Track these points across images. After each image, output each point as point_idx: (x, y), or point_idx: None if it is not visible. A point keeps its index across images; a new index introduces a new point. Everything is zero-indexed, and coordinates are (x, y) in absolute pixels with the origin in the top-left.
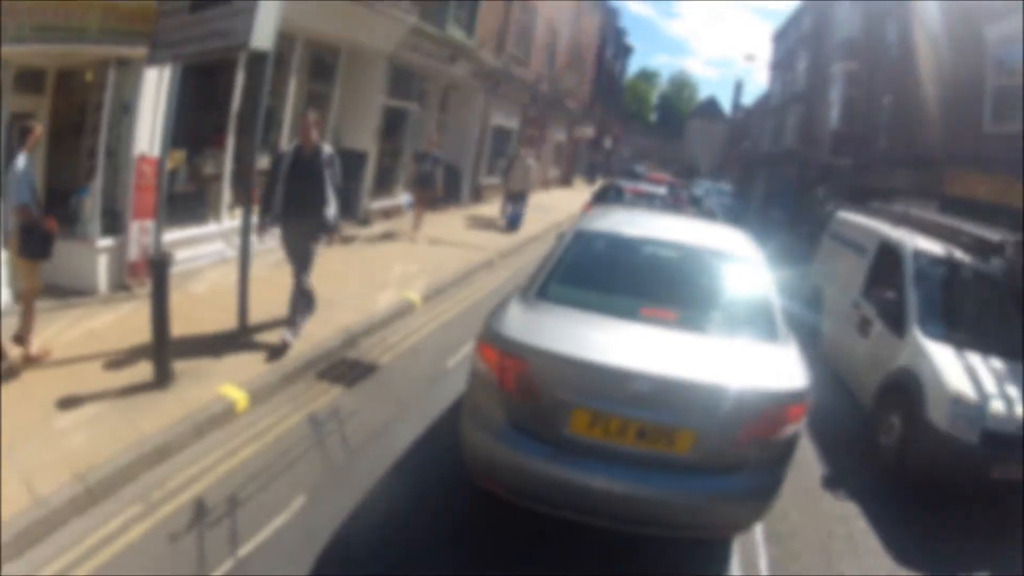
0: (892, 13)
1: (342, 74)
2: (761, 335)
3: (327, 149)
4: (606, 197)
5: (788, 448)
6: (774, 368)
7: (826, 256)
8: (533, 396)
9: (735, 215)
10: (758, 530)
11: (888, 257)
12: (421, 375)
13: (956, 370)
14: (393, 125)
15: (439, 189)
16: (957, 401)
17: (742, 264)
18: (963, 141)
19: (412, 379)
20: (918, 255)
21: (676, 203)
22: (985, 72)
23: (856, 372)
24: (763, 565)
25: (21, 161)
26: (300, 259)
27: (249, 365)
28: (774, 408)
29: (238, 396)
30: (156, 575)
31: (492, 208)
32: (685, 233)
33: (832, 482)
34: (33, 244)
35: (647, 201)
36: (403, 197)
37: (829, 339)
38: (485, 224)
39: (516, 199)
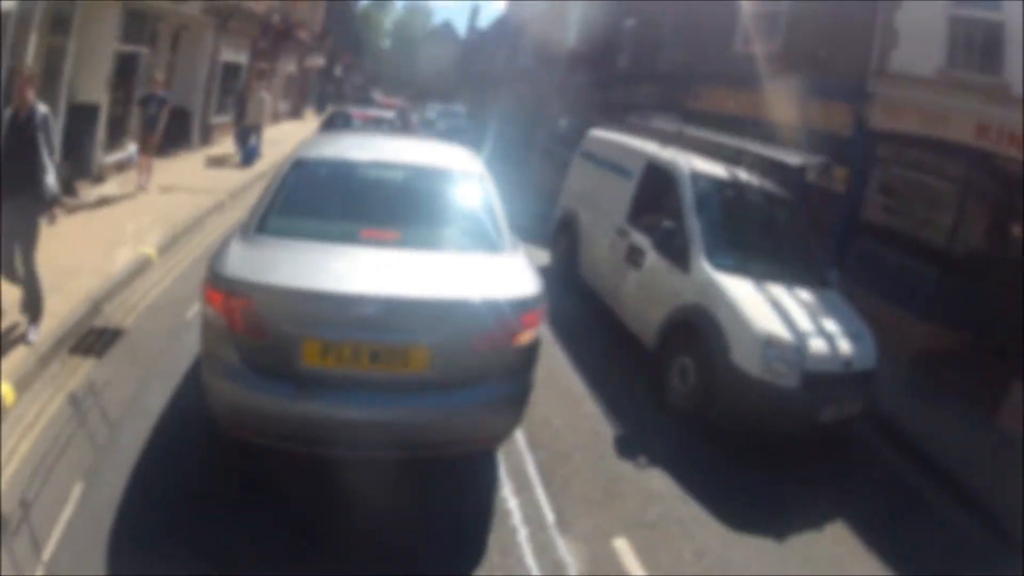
0: None
1: (78, 24)
2: (486, 247)
3: (41, 109)
4: (334, 124)
5: (530, 355)
6: (502, 277)
7: (579, 177)
8: (262, 333)
9: (470, 137)
10: (519, 438)
11: (658, 180)
12: (164, 331)
13: (761, 307)
14: (124, 72)
15: (161, 131)
16: (770, 343)
17: (464, 179)
18: (712, 59)
19: (156, 337)
20: (696, 177)
21: (405, 126)
22: None
23: (629, 305)
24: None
25: None
26: (24, 239)
27: (6, 352)
28: (507, 317)
29: (5, 389)
30: None
31: (226, 147)
32: (407, 154)
33: (624, 441)
34: None
35: (375, 125)
36: (130, 148)
37: (590, 267)
38: (221, 163)
39: (250, 133)
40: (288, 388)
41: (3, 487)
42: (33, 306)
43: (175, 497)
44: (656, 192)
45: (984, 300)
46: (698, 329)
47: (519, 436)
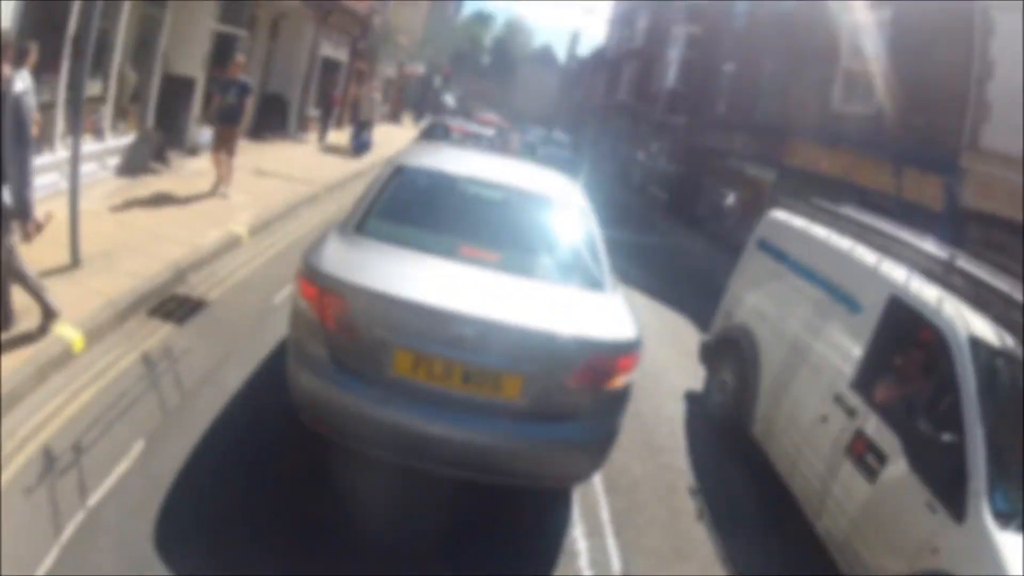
0: None
1: None
2: (588, 283)
3: (17, 87)
4: (433, 135)
5: (620, 399)
6: (602, 317)
7: (757, 280)
8: (354, 335)
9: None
10: (597, 483)
11: (911, 333)
12: (249, 311)
13: None
14: (222, 52)
15: (244, 122)
16: None
17: (567, 210)
18: (809, 116)
19: (241, 316)
20: (979, 349)
21: (504, 146)
22: (839, 53)
23: (839, 526)
24: (606, 518)
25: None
26: None
27: (83, 302)
28: (603, 357)
29: (74, 336)
30: (16, 529)
31: (340, 137)
32: (510, 175)
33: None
34: None
35: (474, 141)
36: (202, 133)
37: (771, 428)
38: (335, 151)
39: (363, 128)
40: (374, 393)
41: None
42: None
43: (236, 476)
44: (905, 350)
45: None
46: None
47: (597, 479)
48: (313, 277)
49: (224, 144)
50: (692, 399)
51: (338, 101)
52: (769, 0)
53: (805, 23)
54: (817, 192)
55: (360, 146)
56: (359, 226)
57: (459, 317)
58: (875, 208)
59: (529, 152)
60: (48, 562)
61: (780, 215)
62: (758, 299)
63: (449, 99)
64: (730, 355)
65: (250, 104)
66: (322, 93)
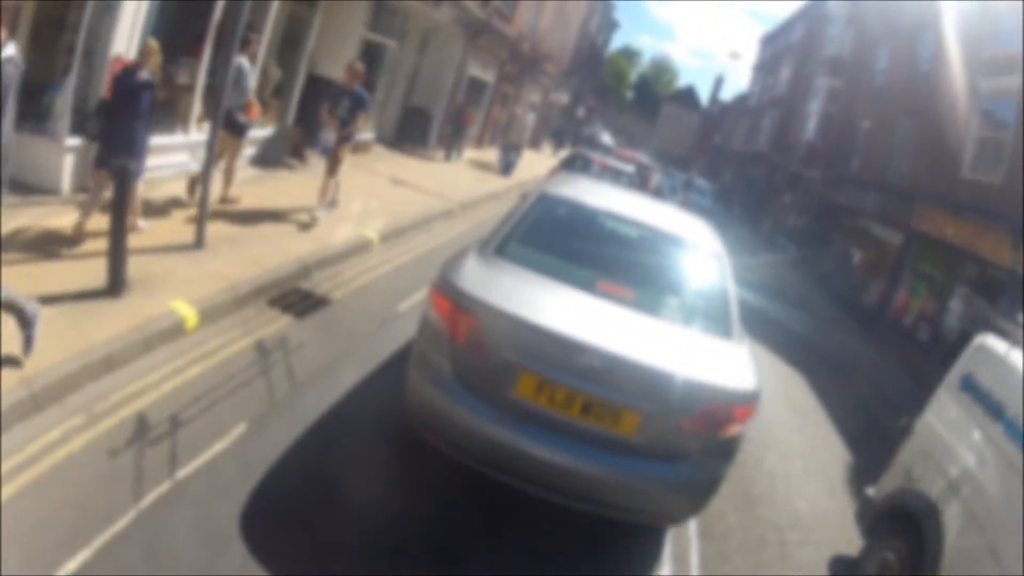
0: (884, 42)
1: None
2: (716, 329)
3: (7, 52)
4: (574, 165)
5: (731, 448)
6: (726, 365)
7: (959, 434)
8: (481, 353)
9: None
10: (692, 526)
11: None
12: (373, 316)
13: None
14: (370, 60)
15: (354, 131)
16: None
17: (705, 255)
18: (938, 180)
19: (363, 319)
20: None
21: (643, 184)
22: (972, 119)
23: None
24: (694, 562)
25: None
26: None
27: (202, 282)
28: (722, 405)
29: (188, 313)
30: (94, 489)
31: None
32: (650, 214)
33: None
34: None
35: (613, 176)
36: (327, 138)
37: None
38: (484, 167)
39: (512, 149)
40: (492, 412)
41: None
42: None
43: (333, 473)
44: None
45: None
46: None
47: (692, 522)
48: (448, 292)
49: (329, 162)
50: (840, 563)
51: (471, 121)
52: (906, 60)
53: (940, 85)
54: (941, 260)
55: (507, 166)
56: (499, 248)
57: (590, 349)
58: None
59: (665, 193)
60: (122, 523)
61: (995, 346)
62: (953, 465)
63: (605, 137)
64: (902, 532)
65: (364, 120)
66: (456, 111)
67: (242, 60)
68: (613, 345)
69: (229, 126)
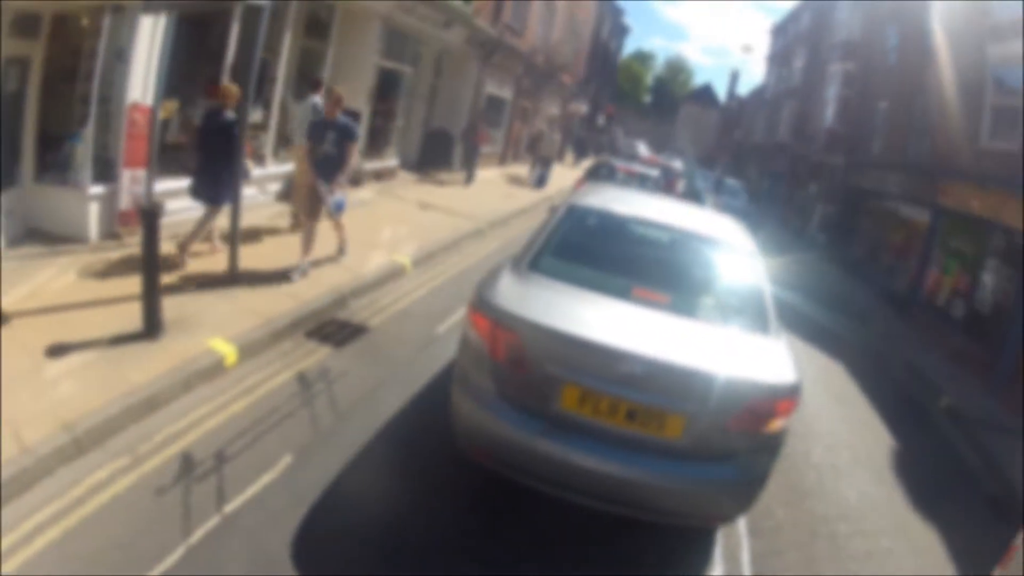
0: (894, 19)
1: (337, 32)
2: (753, 326)
3: None
4: (598, 174)
5: (776, 443)
6: (765, 360)
7: None
8: (523, 369)
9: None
10: (741, 523)
11: None
12: (411, 340)
13: None
14: (387, 87)
15: (347, 171)
16: None
17: (736, 254)
18: (959, 153)
19: (402, 344)
20: None
21: (669, 187)
22: (985, 88)
23: None
24: (745, 560)
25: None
26: None
27: (238, 318)
28: (764, 401)
29: (227, 350)
30: (142, 528)
31: (486, 173)
32: (679, 217)
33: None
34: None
35: (639, 182)
36: (323, 194)
37: None
38: (518, 181)
39: (543, 163)
40: (538, 426)
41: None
42: None
43: (383, 500)
44: None
45: None
46: None
47: (741, 520)
48: (486, 310)
49: (315, 204)
50: None
51: (484, 139)
52: (916, 35)
53: (949, 57)
54: (969, 234)
55: (540, 179)
56: (533, 263)
57: (630, 356)
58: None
59: (695, 198)
60: (172, 559)
61: None
62: None
63: (642, 148)
64: None
65: (354, 152)
66: (467, 129)
67: (316, 99)
68: (652, 350)
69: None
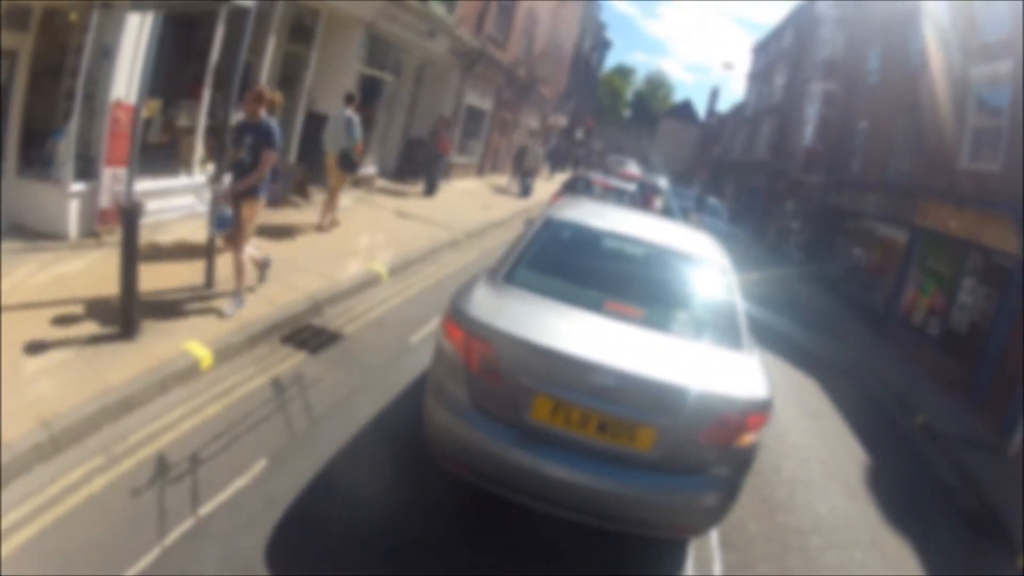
0: (876, 40)
1: (320, 37)
2: (725, 341)
3: None
4: (575, 188)
5: (747, 457)
6: (737, 375)
7: None
8: (497, 379)
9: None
10: (713, 536)
11: None
12: (386, 349)
13: None
14: (368, 94)
15: (262, 178)
16: None
17: (710, 269)
18: (938, 174)
19: (376, 352)
20: None
21: (646, 202)
22: (967, 109)
23: None
24: (717, 572)
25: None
26: None
27: (214, 323)
28: (735, 415)
29: (203, 353)
30: (117, 528)
31: (464, 184)
32: (654, 232)
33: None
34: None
35: (616, 196)
36: (214, 209)
37: None
38: (503, 191)
39: (528, 175)
40: (510, 436)
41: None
42: None
43: (356, 505)
44: None
45: None
46: None
47: (713, 533)
48: (461, 321)
49: (248, 228)
50: None
51: (447, 147)
52: (899, 55)
53: (932, 78)
54: (946, 254)
55: (525, 190)
56: (508, 275)
57: (603, 369)
58: (997, 271)
59: (674, 213)
60: (147, 560)
61: None
62: None
63: (632, 167)
64: None
65: (270, 161)
66: (429, 135)
67: (350, 113)
68: (625, 363)
69: (345, 165)
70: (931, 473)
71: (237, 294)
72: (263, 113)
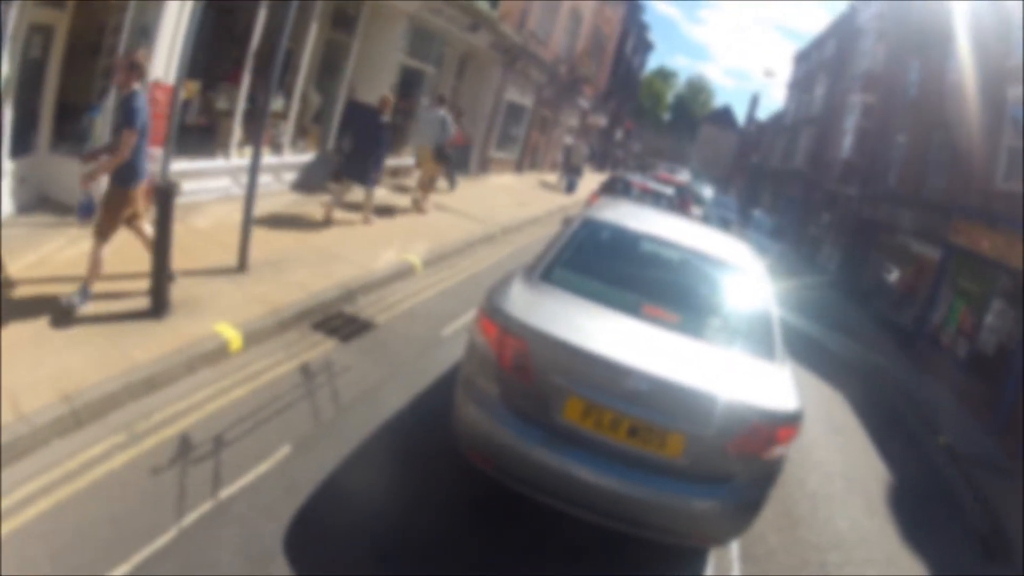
0: (917, 53)
1: (363, 27)
2: (759, 351)
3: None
4: (613, 189)
5: (774, 469)
6: (769, 386)
7: None
8: (529, 377)
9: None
10: (734, 547)
11: None
12: (417, 340)
13: None
14: (409, 85)
15: (112, 165)
16: None
17: (747, 277)
18: (973, 193)
19: (408, 343)
20: None
21: (683, 206)
22: (1002, 129)
23: None
24: None
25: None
26: None
27: (245, 305)
28: (765, 426)
29: (232, 335)
30: (135, 506)
31: (501, 179)
32: (692, 237)
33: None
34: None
35: (653, 199)
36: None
37: None
38: (551, 188)
39: (573, 171)
40: (539, 435)
41: (198, 417)
42: None
43: (378, 495)
44: None
45: None
46: None
47: (734, 545)
48: (496, 317)
49: (110, 219)
50: None
51: (460, 139)
52: (937, 71)
53: (969, 96)
54: (978, 274)
55: (570, 185)
56: (545, 274)
57: (637, 373)
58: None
59: (714, 223)
60: (163, 540)
61: None
62: None
63: (684, 174)
64: None
65: (129, 142)
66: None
67: (443, 113)
68: (659, 369)
69: (440, 158)
70: (949, 494)
71: (85, 289)
72: (137, 86)
